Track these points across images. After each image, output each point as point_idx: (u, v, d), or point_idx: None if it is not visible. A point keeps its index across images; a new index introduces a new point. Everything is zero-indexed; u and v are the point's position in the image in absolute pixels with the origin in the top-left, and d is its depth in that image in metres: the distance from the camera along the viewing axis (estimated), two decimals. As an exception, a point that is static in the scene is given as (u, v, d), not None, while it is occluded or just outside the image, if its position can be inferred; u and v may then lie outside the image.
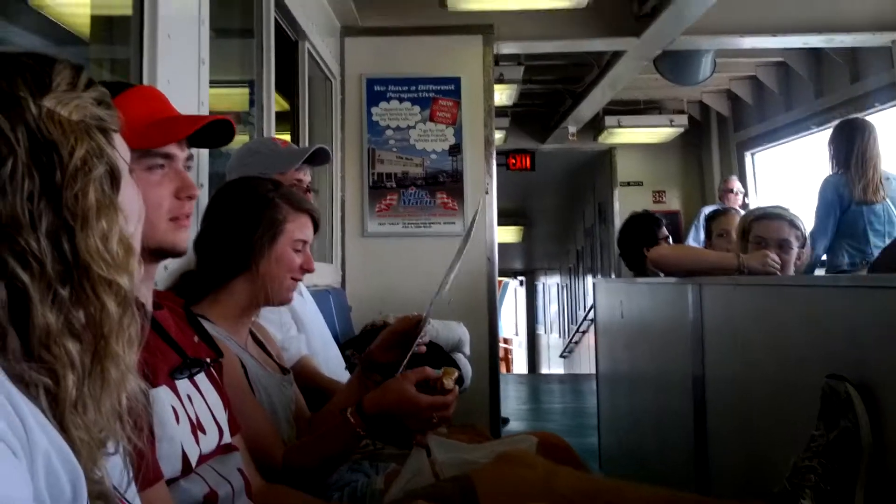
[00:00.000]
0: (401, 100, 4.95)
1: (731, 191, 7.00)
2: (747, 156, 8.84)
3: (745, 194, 7.68)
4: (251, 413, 1.71)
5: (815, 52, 6.93)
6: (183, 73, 2.26)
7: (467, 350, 3.93)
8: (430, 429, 1.68)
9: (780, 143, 8.40)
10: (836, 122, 4.79)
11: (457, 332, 3.91)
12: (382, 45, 5.00)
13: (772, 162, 8.81)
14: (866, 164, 4.16)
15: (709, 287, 2.44)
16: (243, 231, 1.82)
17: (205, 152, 2.40)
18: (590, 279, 12.64)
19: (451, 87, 4.96)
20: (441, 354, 3.63)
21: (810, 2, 5.60)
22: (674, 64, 6.27)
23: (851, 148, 4.22)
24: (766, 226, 2.79)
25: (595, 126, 8.97)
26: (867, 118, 4.55)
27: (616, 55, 6.21)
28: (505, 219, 11.30)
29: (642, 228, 3.74)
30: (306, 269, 1.89)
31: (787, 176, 8.47)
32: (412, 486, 1.61)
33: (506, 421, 5.83)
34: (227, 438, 1.46)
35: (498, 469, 1.50)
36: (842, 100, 6.94)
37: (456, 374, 1.69)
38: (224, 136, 1.49)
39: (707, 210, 6.18)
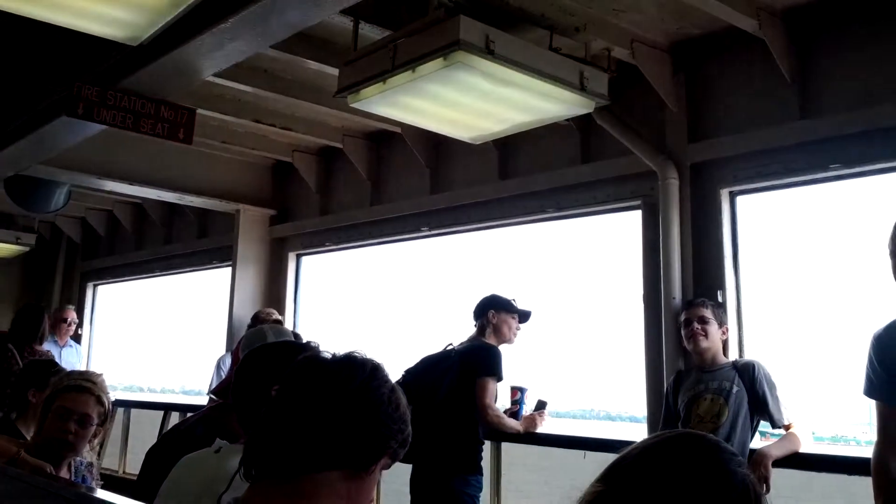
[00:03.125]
0: None
1: (66, 321, 6.77)
2: (90, 287, 8.75)
3: (80, 325, 7.54)
4: None
5: (171, 203, 7.34)
6: None
7: None
8: None
9: (127, 280, 8.55)
10: None
11: None
12: None
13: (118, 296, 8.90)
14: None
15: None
16: None
17: None
18: None
19: None
20: None
21: (169, 163, 5.97)
22: (25, 190, 5.95)
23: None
24: (73, 398, 2.65)
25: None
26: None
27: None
28: None
29: None
30: None
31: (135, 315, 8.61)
32: None
33: None
34: None
35: None
36: (188, 251, 7.46)
37: None
38: None
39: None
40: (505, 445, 4.27)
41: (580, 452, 4.06)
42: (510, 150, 4.87)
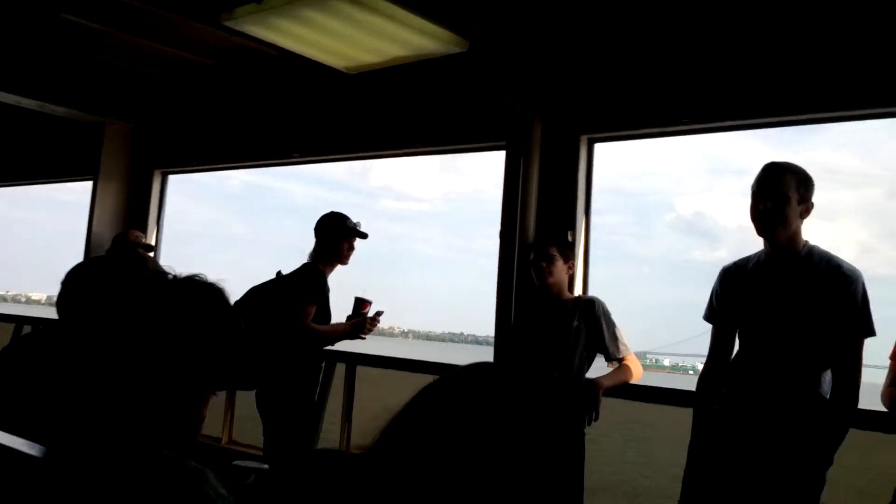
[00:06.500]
0: None
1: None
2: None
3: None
4: None
5: (31, 110, 6.93)
6: None
7: None
8: None
9: None
10: None
11: None
12: None
13: None
14: None
15: None
16: None
17: None
18: None
19: None
20: None
21: (31, 69, 5.66)
22: None
23: None
24: None
25: None
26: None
27: None
28: None
29: None
30: None
31: None
32: None
33: None
34: None
35: None
36: (47, 161, 7.16)
37: None
38: None
39: None
40: (359, 368, 4.46)
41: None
42: (383, 83, 4.91)
